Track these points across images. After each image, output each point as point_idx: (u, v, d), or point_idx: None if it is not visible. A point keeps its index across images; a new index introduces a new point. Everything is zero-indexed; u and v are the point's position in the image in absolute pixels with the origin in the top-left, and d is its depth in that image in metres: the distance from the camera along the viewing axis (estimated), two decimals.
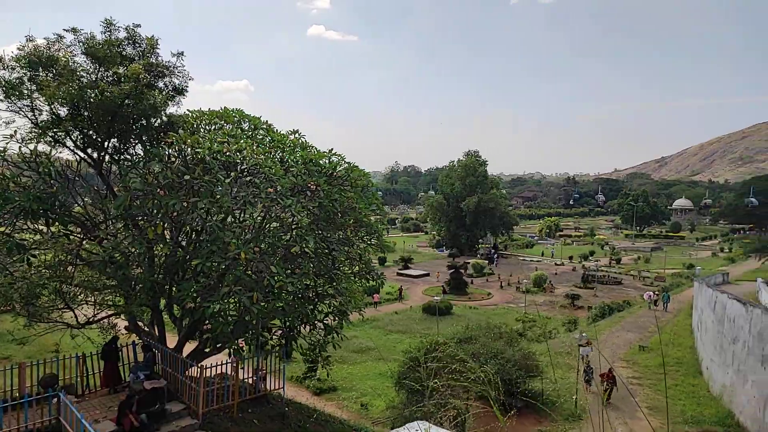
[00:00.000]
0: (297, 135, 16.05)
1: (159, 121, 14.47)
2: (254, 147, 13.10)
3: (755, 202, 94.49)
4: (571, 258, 78.64)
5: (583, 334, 31.95)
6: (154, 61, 14.20)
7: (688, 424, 19.10)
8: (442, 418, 9.82)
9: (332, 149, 15.02)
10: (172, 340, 15.81)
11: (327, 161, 14.79)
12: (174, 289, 14.11)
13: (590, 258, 78.94)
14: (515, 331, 32.32)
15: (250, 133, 15.52)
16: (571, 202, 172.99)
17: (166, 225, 12.97)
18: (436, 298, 40.69)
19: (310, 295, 14.20)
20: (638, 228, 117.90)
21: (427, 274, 63.55)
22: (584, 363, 24.38)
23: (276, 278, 11.85)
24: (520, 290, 53.57)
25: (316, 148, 15.49)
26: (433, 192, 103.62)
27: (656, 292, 43.11)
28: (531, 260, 79.35)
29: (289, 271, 12.90)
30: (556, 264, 74.65)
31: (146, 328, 15.79)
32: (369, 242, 15.93)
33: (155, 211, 12.38)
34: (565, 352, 28.96)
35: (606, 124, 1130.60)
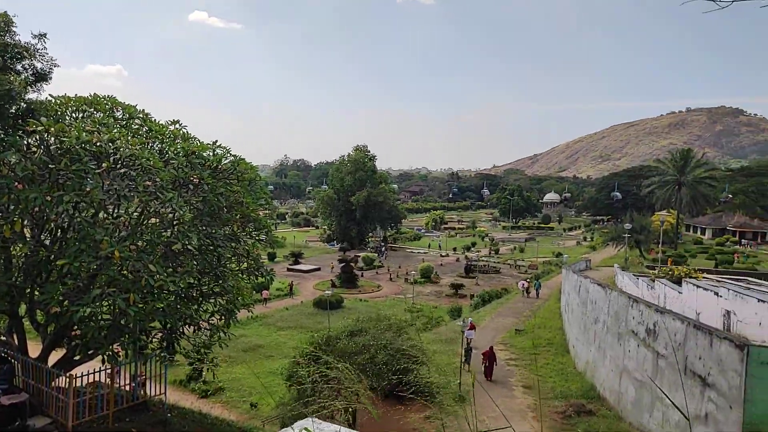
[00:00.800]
0: (178, 125, 15.14)
1: (16, 107, 12.90)
2: (129, 137, 12.15)
3: (619, 196, 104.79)
4: (455, 249, 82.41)
5: (469, 319, 33.74)
6: (9, 41, 12.61)
7: (558, 399, 20.86)
8: (333, 412, 9.83)
9: (217, 141, 14.38)
10: (35, 349, 14.26)
11: (211, 153, 14.11)
12: (36, 292, 12.72)
13: (472, 249, 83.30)
14: (404, 321, 33.22)
15: (124, 122, 14.38)
16: (450, 196, 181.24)
17: (25, 222, 11.64)
18: (327, 292, 40.66)
19: (194, 295, 13.51)
20: (514, 220, 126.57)
21: (318, 269, 63.31)
22: (468, 344, 25.82)
23: (155, 278, 11.11)
24: (408, 281, 55.18)
25: (198, 140, 14.73)
26: (324, 186, 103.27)
27: (528, 281, 46.33)
28: (418, 252, 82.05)
29: (170, 269, 12.15)
30: (441, 255, 77.83)
31: (3, 338, 14.09)
32: (257, 238, 15.49)
33: (12, 206, 11.05)
34: (450, 338, 30.35)
35: (485, 122, 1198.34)
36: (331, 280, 54.56)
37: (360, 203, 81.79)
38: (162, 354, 13.78)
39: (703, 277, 30.02)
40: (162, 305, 11.59)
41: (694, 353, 14.04)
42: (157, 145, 14.07)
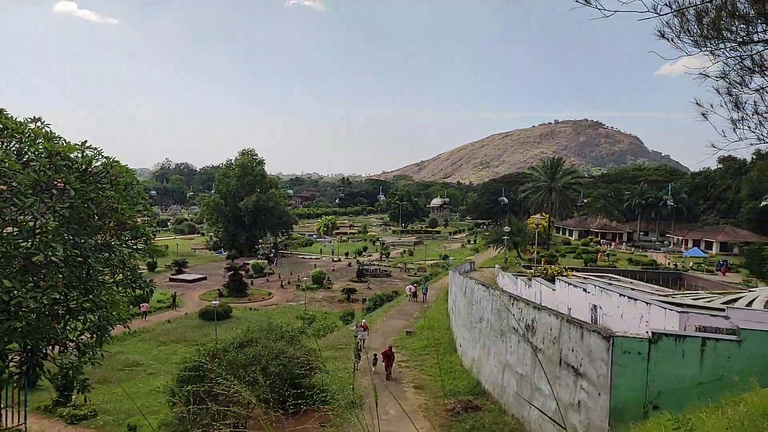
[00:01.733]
0: (39, 124, 13.54)
1: None
2: None
3: (506, 200, 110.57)
4: (347, 254, 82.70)
5: (362, 320, 33.92)
6: None
7: (447, 397, 21.55)
8: (222, 428, 9.26)
9: (86, 141, 13.05)
10: None
11: (80, 155, 12.78)
12: None
13: (364, 253, 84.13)
14: (296, 329, 32.61)
15: None
16: (336, 201, 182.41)
17: None
18: (214, 302, 38.78)
19: (60, 312, 12.12)
20: (403, 225, 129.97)
21: (205, 278, 60.32)
22: (359, 345, 25.93)
23: (12, 294, 9.79)
24: (300, 288, 54.37)
25: (64, 140, 13.27)
26: (210, 191, 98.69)
27: (416, 285, 47.30)
28: (310, 258, 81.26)
29: (30, 284, 10.79)
30: (333, 261, 77.72)
31: None
32: (134, 247, 14.28)
33: None
34: (344, 343, 30.29)
35: (375, 129, 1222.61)
36: (219, 289, 52.23)
37: (249, 209, 79.29)
38: (20, 379, 12.20)
39: (573, 275, 32.76)
40: (21, 325, 10.24)
41: (567, 346, 15.15)
42: (14, 145, 12.48)
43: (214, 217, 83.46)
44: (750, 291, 29.19)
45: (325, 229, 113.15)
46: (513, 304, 19.85)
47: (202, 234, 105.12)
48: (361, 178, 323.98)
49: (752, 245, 65.36)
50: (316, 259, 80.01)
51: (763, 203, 76.17)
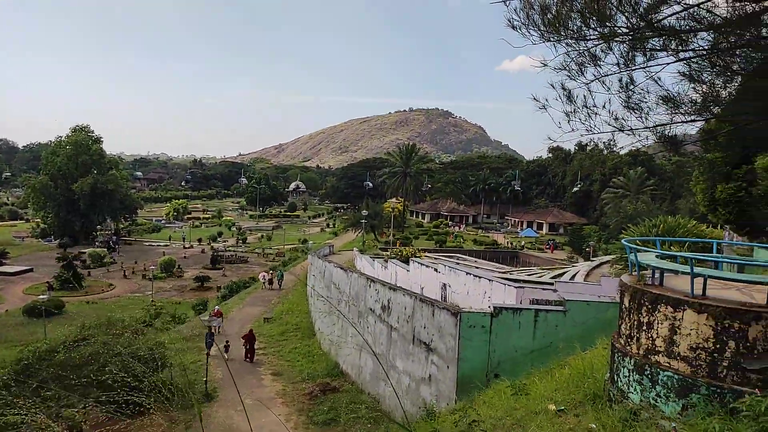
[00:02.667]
0: None
1: None
2: None
3: (371, 185, 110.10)
4: (200, 240, 78.54)
5: (215, 307, 32.48)
6: None
7: (306, 381, 21.53)
8: None
9: None
10: None
11: None
12: None
13: (219, 239, 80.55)
14: (142, 322, 30.22)
15: None
16: (183, 184, 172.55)
17: None
18: (42, 296, 34.34)
19: None
20: (261, 209, 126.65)
21: (31, 270, 53.22)
22: (212, 332, 24.90)
23: None
24: (146, 278, 50.44)
25: None
26: (38, 172, 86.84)
27: (271, 272, 45.84)
28: (158, 245, 75.69)
29: None
30: (185, 247, 73.32)
31: None
32: None
33: None
34: (197, 334, 28.72)
35: (231, 109, 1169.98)
36: (48, 282, 46.41)
37: (84, 192, 71.27)
38: None
39: (426, 256, 34.55)
40: None
41: (420, 323, 15.91)
42: None
43: (42, 201, 73.70)
44: (573, 266, 33.22)
45: (175, 213, 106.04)
46: (370, 285, 20.33)
47: (27, 220, 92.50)
48: (216, 160, 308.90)
49: (574, 226, 74.64)
50: (165, 246, 74.70)
51: (575, 189, 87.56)
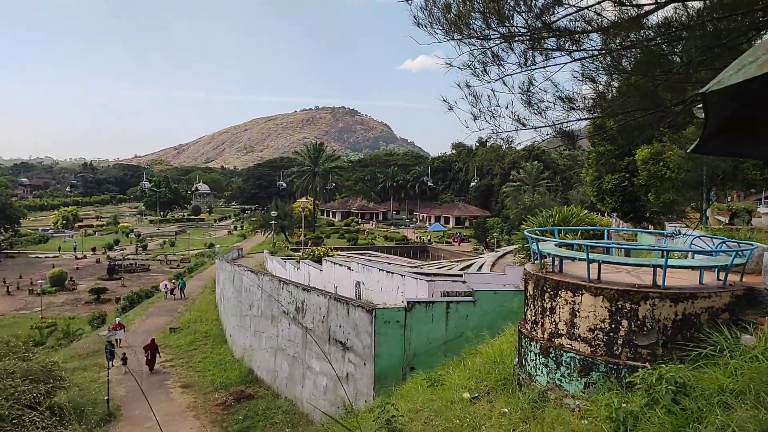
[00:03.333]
0: None
1: None
2: None
3: (284, 185, 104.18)
4: (94, 249, 73.08)
5: (116, 319, 30.41)
6: None
7: (218, 391, 20.72)
8: None
9: None
10: None
11: None
12: None
13: (115, 248, 75.41)
14: (31, 341, 27.65)
15: None
16: (69, 189, 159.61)
17: None
18: None
19: None
20: (162, 213, 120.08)
21: None
22: (113, 345, 23.40)
23: None
24: (34, 293, 46.12)
25: None
26: None
27: (173, 281, 43.22)
28: (46, 257, 69.41)
29: None
30: (77, 258, 67.86)
31: None
32: None
33: None
34: (95, 350, 26.72)
35: (121, 109, 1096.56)
36: None
37: None
38: None
39: (338, 255, 34.46)
40: None
41: (336, 323, 15.85)
42: None
43: None
44: (479, 257, 34.63)
45: (64, 222, 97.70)
46: (283, 287, 19.95)
47: None
48: (109, 163, 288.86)
49: (478, 219, 77.87)
50: (54, 257, 68.61)
51: (472, 183, 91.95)
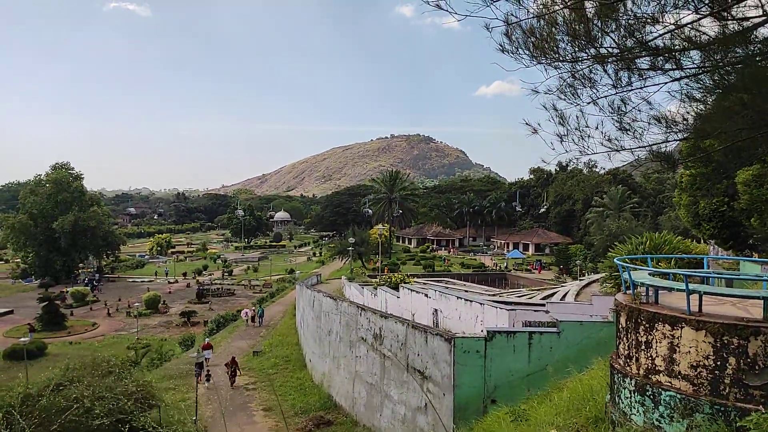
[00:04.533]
0: None
1: None
2: None
3: (370, 212, 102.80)
4: (185, 274, 77.47)
5: (205, 339, 31.95)
6: None
7: (298, 416, 21.04)
8: None
9: None
10: None
11: None
12: None
13: (204, 273, 79.52)
14: (128, 360, 29.49)
15: None
16: (156, 217, 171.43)
17: None
18: (23, 339, 33.34)
19: None
20: (246, 240, 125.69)
21: (11, 312, 51.87)
22: (206, 364, 25.13)
23: None
24: (131, 315, 49.42)
25: None
26: (16, 212, 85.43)
27: (254, 308, 44.27)
28: (142, 281, 74.49)
29: None
30: (169, 282, 72.18)
31: None
32: None
33: None
34: (184, 371, 28.10)
35: (211, 141, 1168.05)
36: (30, 323, 45.21)
37: (65, 230, 70.14)
38: None
39: (415, 281, 34.40)
40: None
41: (414, 351, 15.71)
42: None
43: (22, 241, 72.35)
44: (562, 286, 33.29)
45: (158, 248, 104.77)
46: (361, 314, 20.11)
47: (6, 261, 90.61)
48: (199, 193, 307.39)
49: (559, 246, 75.08)
50: (149, 282, 73.52)
51: (542, 209, 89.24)
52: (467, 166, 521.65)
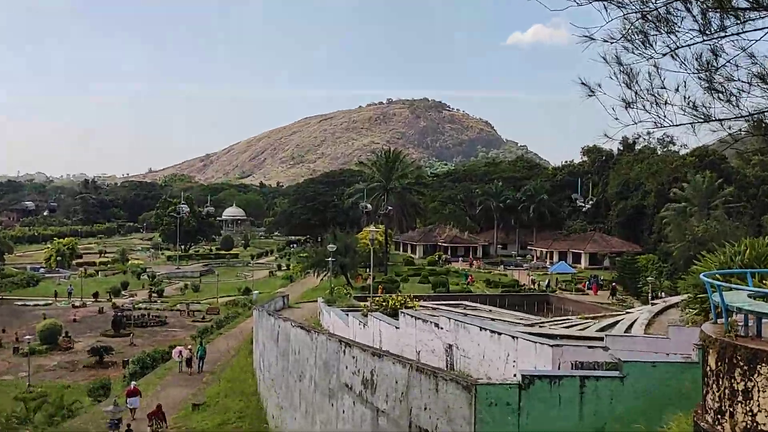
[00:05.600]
0: None
1: None
2: None
3: (369, 206, 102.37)
4: (96, 296, 77.30)
5: (132, 383, 31.96)
6: None
7: None
8: None
9: None
10: None
11: None
12: None
13: (123, 293, 79.38)
14: (14, 417, 29.50)
15: None
16: (45, 214, 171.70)
17: None
18: None
19: None
20: (183, 247, 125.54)
21: None
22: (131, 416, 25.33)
23: None
24: (20, 352, 49.28)
25: None
26: None
27: (189, 347, 43.51)
28: (36, 305, 74.23)
29: None
30: (74, 306, 72.05)
31: None
32: None
33: None
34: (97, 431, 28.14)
35: (133, 108, 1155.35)
36: None
37: None
38: None
39: (420, 306, 34.42)
40: None
41: (419, 403, 15.75)
42: None
43: None
44: (627, 313, 33.43)
45: (59, 258, 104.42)
46: (345, 351, 20.13)
47: None
48: (116, 180, 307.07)
49: (624, 255, 75.42)
50: (45, 306, 73.28)
51: (585, 205, 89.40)
52: (495, 143, 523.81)
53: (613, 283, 65.74)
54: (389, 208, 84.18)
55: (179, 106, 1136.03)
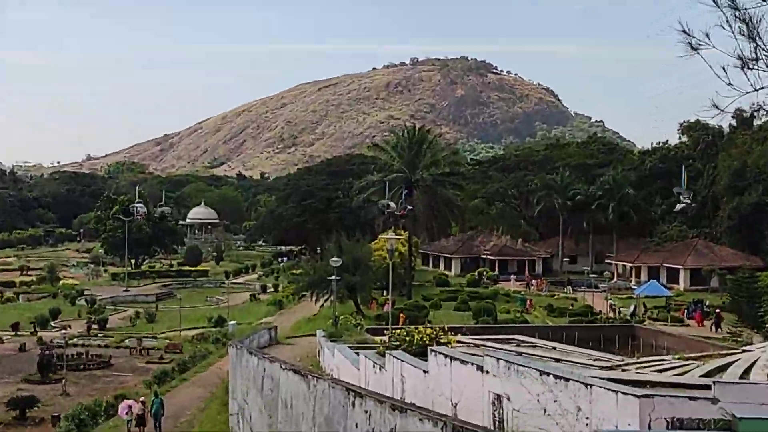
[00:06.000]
0: None
1: None
2: None
3: (392, 205, 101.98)
4: (16, 327, 77.81)
5: None
6: None
7: None
8: None
9: None
10: None
11: None
12: None
13: (53, 324, 79.77)
14: None
15: None
16: None
17: None
18: None
19: None
20: (134, 261, 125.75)
21: None
22: None
23: None
24: None
25: None
26: None
27: (142, 399, 42.08)
28: None
29: None
30: None
31: None
32: None
33: None
34: None
35: (65, 73, 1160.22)
36: None
37: None
38: None
39: (458, 343, 34.32)
40: None
41: None
42: None
43: None
44: (743, 351, 33.19)
45: None
46: (354, 404, 20.14)
47: None
48: (43, 171, 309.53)
49: (739, 272, 74.61)
50: None
51: (679, 205, 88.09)
52: (560, 118, 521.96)
53: (718, 310, 64.96)
54: (409, 207, 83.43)
55: (128, 70, 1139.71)
